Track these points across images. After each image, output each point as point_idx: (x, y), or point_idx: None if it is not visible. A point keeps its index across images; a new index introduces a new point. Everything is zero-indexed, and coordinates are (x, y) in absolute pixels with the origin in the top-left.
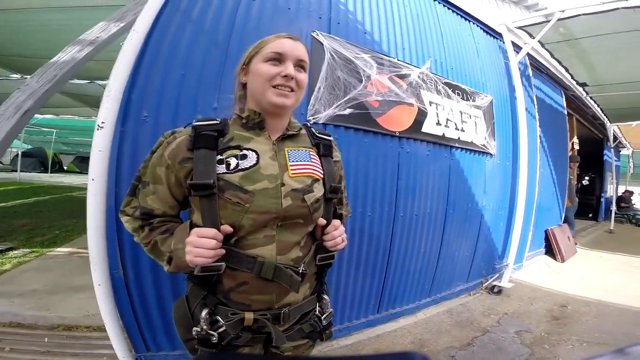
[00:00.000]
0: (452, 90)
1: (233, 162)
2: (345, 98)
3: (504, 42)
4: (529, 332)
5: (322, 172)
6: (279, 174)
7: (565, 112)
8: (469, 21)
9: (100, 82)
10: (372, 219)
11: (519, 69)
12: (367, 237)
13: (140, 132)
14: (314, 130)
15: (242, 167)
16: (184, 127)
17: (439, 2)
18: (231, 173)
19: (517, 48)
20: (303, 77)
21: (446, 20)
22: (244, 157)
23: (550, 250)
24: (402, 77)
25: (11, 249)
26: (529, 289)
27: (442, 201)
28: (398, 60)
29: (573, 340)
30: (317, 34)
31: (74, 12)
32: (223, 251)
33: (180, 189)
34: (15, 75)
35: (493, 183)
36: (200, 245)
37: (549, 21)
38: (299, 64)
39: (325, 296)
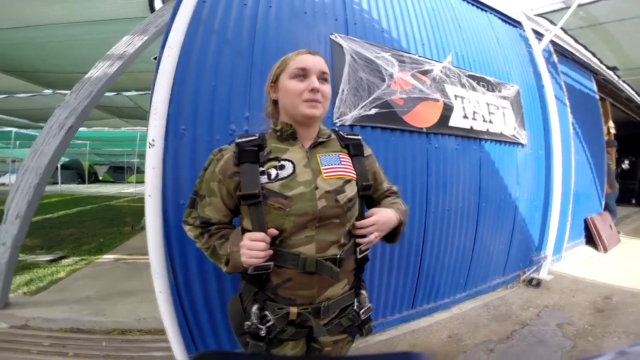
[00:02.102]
0: (476, 83)
1: (273, 172)
2: (370, 98)
3: (524, 31)
4: (572, 324)
5: (353, 172)
6: (312, 179)
7: (597, 97)
8: (486, 11)
9: (126, 93)
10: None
11: (544, 56)
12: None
13: (180, 145)
14: (342, 134)
15: (281, 176)
16: (229, 144)
17: None
18: (272, 182)
19: (539, 35)
20: (327, 88)
21: (462, 12)
22: (282, 167)
23: (591, 240)
24: (425, 73)
25: (63, 257)
26: (570, 280)
27: (474, 194)
28: (419, 56)
29: (619, 332)
30: (335, 37)
31: (94, 26)
32: (271, 252)
33: (231, 199)
34: (47, 91)
35: (526, 173)
36: (253, 247)
37: (568, 7)
38: (322, 77)
39: (363, 291)
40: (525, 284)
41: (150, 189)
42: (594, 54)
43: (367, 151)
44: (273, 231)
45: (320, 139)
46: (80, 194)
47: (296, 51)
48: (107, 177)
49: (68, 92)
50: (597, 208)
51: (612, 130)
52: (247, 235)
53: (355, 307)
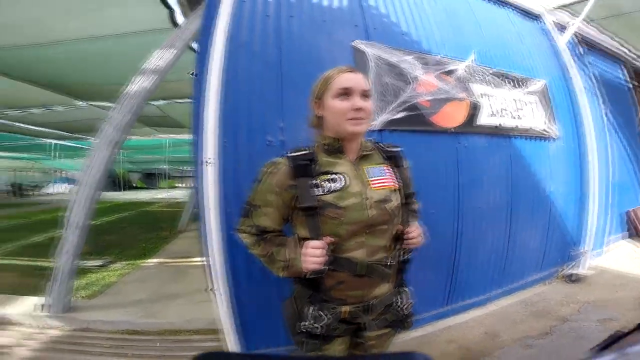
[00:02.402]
0: (501, 79)
1: (326, 185)
2: (397, 102)
3: (545, 24)
4: (615, 320)
5: (397, 182)
6: (362, 190)
7: (630, 85)
8: (504, 7)
9: (154, 103)
10: (437, 216)
11: (568, 48)
12: (432, 234)
13: (225, 159)
14: (382, 146)
15: (334, 188)
16: (281, 158)
17: None
18: (326, 194)
19: (561, 28)
20: (369, 104)
21: (481, 10)
22: (334, 180)
23: (636, 234)
24: (449, 73)
25: (111, 262)
26: (612, 275)
27: (505, 191)
28: (441, 57)
29: None
30: (357, 44)
31: (120, 39)
32: (328, 257)
33: (286, 209)
34: (81, 103)
35: (559, 167)
36: (313, 254)
37: None
38: (364, 94)
39: (406, 288)
40: (564, 280)
41: (211, 203)
42: (621, 44)
43: (406, 163)
44: (329, 239)
45: (364, 152)
46: (117, 200)
47: (337, 69)
48: (140, 184)
49: (101, 103)
50: (638, 200)
51: None
52: (308, 243)
53: (399, 303)
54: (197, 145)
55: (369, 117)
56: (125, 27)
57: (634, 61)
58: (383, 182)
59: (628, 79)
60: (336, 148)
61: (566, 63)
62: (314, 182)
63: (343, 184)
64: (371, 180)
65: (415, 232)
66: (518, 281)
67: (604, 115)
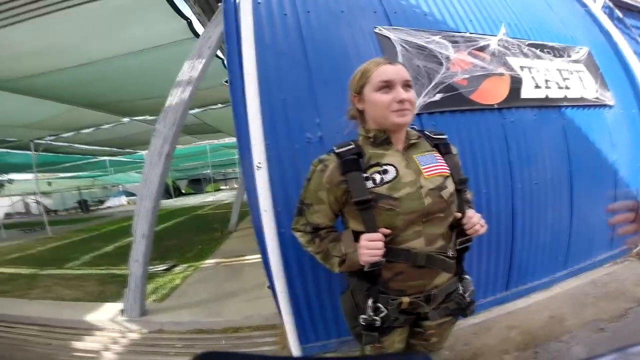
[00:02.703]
0: (540, 50)
1: (378, 177)
2: (432, 84)
3: None
4: None
5: (448, 169)
6: (416, 179)
7: None
8: None
9: (191, 112)
10: (489, 195)
11: (605, 12)
12: (486, 216)
13: (268, 159)
14: (428, 133)
15: (386, 180)
16: (328, 154)
17: None
18: (379, 186)
19: None
20: (412, 95)
21: None
22: (385, 171)
23: None
24: (482, 49)
25: (174, 266)
26: None
27: (563, 164)
28: (470, 33)
29: None
30: (380, 30)
31: (146, 54)
32: (385, 249)
33: (338, 205)
34: (125, 119)
35: (621, 135)
36: (371, 247)
37: None
38: (406, 84)
39: (467, 276)
40: (638, 258)
41: (265, 206)
42: None
43: (455, 149)
44: (386, 230)
45: (412, 141)
46: (171, 207)
47: (374, 61)
48: (188, 190)
49: (142, 117)
50: None
51: None
52: (365, 236)
53: (460, 291)
54: (243, 150)
55: (413, 107)
56: (148, 42)
57: None
58: (436, 170)
59: None
60: (383, 139)
61: (607, 28)
62: (365, 175)
63: (395, 174)
64: (423, 169)
65: (475, 218)
66: (585, 261)
67: None
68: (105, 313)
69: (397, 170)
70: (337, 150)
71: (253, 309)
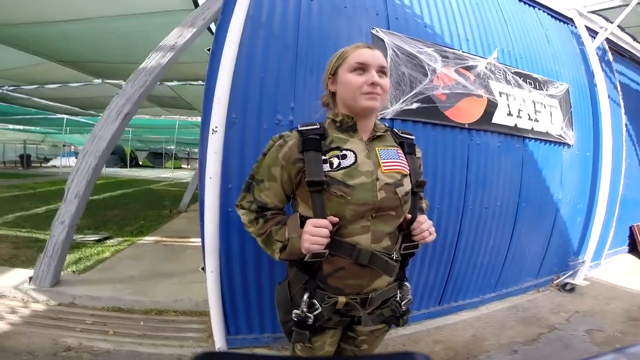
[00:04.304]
0: (522, 80)
1: (335, 161)
2: (412, 93)
3: (576, 28)
4: (601, 331)
5: (408, 167)
6: (373, 170)
7: None
8: (534, 7)
9: (167, 83)
10: (441, 211)
11: (597, 54)
12: (435, 230)
13: (230, 133)
14: (396, 131)
15: (344, 165)
16: (290, 131)
17: None
18: (335, 171)
19: (592, 33)
20: (386, 82)
21: (509, 8)
22: (344, 156)
23: (635, 249)
24: (469, 68)
25: (108, 237)
26: (606, 288)
27: (514, 194)
28: (463, 52)
29: None
30: (376, 31)
31: (140, 18)
32: (331, 239)
33: (290, 185)
34: (97, 80)
35: (571, 175)
36: (315, 233)
37: (626, 5)
38: (381, 70)
39: (407, 283)
40: (558, 289)
41: (211, 172)
42: None
43: (419, 152)
44: (334, 218)
45: (378, 133)
46: (122, 177)
47: (354, 45)
48: (146, 162)
49: (116, 81)
50: None
51: None
52: (311, 221)
53: (397, 298)
54: (206, 116)
55: (385, 94)
56: (148, 6)
57: None
58: (396, 166)
59: None
60: (349, 125)
61: (593, 69)
62: (323, 157)
63: (353, 161)
64: (383, 162)
65: (426, 224)
66: (513, 286)
67: (624, 127)
68: (10, 279)
69: (356, 157)
70: (300, 128)
71: (184, 293)
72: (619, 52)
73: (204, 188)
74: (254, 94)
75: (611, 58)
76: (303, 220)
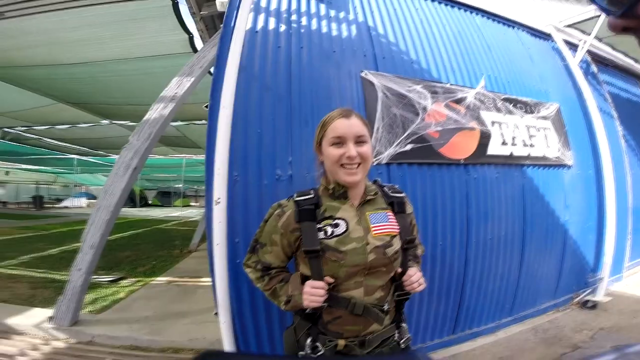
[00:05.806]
0: (513, 105)
1: (329, 230)
2: (405, 134)
3: (556, 43)
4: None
5: (398, 228)
6: (364, 235)
7: None
8: (513, 27)
9: (173, 124)
10: (444, 247)
11: (581, 67)
12: (440, 264)
13: (234, 190)
14: (386, 190)
15: (336, 233)
16: (287, 200)
17: (476, 13)
18: (329, 239)
19: (572, 47)
20: (365, 149)
21: (489, 31)
22: (337, 225)
23: None
24: (459, 101)
25: (121, 278)
26: (632, 301)
27: (518, 222)
28: (451, 85)
29: None
30: (365, 74)
31: (141, 62)
32: (327, 295)
33: (290, 248)
34: (104, 121)
35: (575, 195)
36: (314, 293)
37: (598, 16)
38: (359, 140)
39: (404, 324)
40: (579, 307)
41: (218, 239)
42: (636, 60)
43: (409, 209)
44: (329, 279)
45: (368, 197)
46: (132, 217)
47: (332, 114)
48: (156, 202)
49: (123, 122)
50: None
51: None
52: (309, 283)
53: (395, 338)
54: (209, 177)
55: (366, 161)
56: (147, 51)
57: None
58: (385, 229)
59: None
60: (340, 194)
61: (579, 83)
62: (318, 226)
63: (345, 229)
64: (373, 227)
65: (415, 276)
66: (530, 308)
67: (621, 137)
68: (30, 318)
69: (347, 225)
70: (296, 199)
71: (198, 332)
72: (603, 63)
73: (212, 252)
74: (253, 151)
75: (596, 70)
76: (304, 278)
